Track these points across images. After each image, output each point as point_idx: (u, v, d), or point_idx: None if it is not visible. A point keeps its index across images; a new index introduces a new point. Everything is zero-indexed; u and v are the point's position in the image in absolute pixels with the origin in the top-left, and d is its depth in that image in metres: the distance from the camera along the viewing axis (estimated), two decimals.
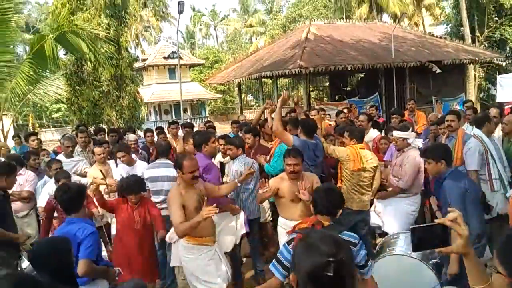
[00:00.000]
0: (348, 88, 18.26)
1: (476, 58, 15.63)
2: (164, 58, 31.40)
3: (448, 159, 3.49)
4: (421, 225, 1.68)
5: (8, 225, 4.00)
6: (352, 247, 2.64)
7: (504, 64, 18.25)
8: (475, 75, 18.28)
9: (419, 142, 5.07)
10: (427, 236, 1.62)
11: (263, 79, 15.45)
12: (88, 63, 12.50)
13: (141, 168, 5.55)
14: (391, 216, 5.10)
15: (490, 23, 20.60)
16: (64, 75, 13.22)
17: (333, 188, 3.27)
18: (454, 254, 2.85)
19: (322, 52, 13.80)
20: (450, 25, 23.91)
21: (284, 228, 4.15)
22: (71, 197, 3.26)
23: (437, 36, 18.23)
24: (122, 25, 13.73)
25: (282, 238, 4.15)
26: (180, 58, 32.85)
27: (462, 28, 20.92)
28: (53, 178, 5.06)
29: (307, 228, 2.86)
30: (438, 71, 14.01)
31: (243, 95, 48.04)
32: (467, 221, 3.19)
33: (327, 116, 9.52)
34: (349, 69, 13.22)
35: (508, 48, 20.30)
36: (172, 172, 4.92)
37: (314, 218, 2.96)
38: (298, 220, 4.06)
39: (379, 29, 17.47)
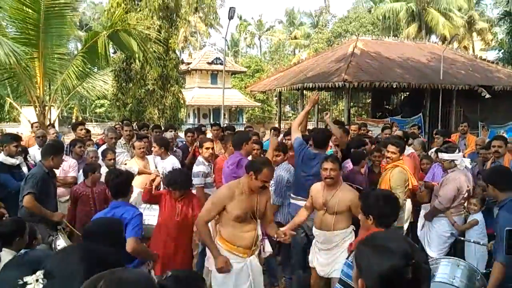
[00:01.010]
0: (390, 107, 17.91)
1: None
2: (208, 63, 31.93)
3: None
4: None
5: (49, 203, 4.15)
6: None
7: None
8: None
9: (467, 162, 4.90)
10: None
11: (304, 91, 15.39)
12: (137, 61, 12.85)
13: (171, 163, 5.67)
14: (427, 238, 4.97)
15: None
16: (112, 72, 13.65)
17: (391, 195, 2.97)
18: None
19: (367, 68, 13.64)
20: (502, 50, 23.12)
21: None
22: (122, 182, 3.37)
23: (488, 61, 17.64)
24: (173, 27, 14.09)
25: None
26: (223, 64, 33.46)
27: None
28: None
29: None
30: (488, 96, 13.54)
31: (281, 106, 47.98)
32: None
33: (370, 132, 9.35)
34: (394, 86, 12.99)
35: None
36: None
37: (369, 230, 2.68)
38: (318, 228, 4.08)
39: (428, 49, 17.10)
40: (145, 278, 1.17)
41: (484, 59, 17.91)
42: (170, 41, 13.90)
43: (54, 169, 4.46)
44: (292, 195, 4.91)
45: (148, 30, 12.74)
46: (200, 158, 5.51)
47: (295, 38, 56.79)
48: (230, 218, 3.47)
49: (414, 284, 1.28)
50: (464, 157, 6.26)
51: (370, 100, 19.91)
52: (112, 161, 5.51)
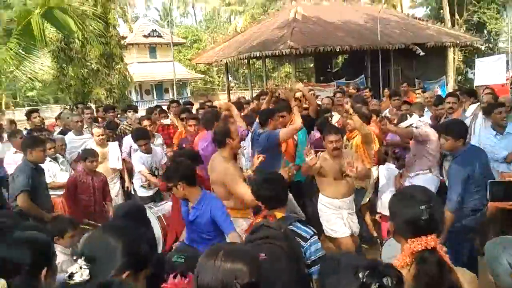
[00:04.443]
0: (333, 71, 18.54)
1: (457, 41, 16.13)
2: (144, 36, 30.89)
3: (465, 137, 3.74)
4: (497, 180, 2.01)
5: (40, 197, 4.09)
6: (301, 242, 2.50)
7: (483, 47, 18.86)
8: (454, 58, 18.80)
9: (427, 119, 5.30)
10: (500, 190, 1.99)
11: (250, 60, 15.52)
12: (76, 40, 12.28)
13: (160, 154, 5.61)
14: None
15: (469, 6, 21.12)
16: (50, 52, 12.96)
17: (272, 177, 2.92)
18: None
19: (310, 33, 13.98)
20: (429, 7, 24.37)
21: (328, 206, 4.38)
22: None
23: (419, 19, 18.61)
24: (109, 1, 13.52)
25: (324, 215, 4.43)
26: (160, 36, 32.47)
27: (441, 11, 21.39)
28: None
29: (261, 221, 2.51)
30: (422, 53, 14.41)
31: (222, 76, 47.68)
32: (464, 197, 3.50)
33: (318, 96, 9.69)
34: (338, 50, 13.47)
35: (486, 32, 20.93)
36: None
37: (265, 211, 2.77)
38: (341, 198, 4.32)
39: (363, 10, 17.73)
40: (248, 250, 1.42)
41: (415, 17, 18.87)
42: (108, 16, 13.33)
43: (39, 164, 4.31)
44: None
45: (83, 6, 12.13)
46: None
47: (229, 4, 55.84)
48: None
49: (431, 222, 1.70)
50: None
51: (312, 65, 20.42)
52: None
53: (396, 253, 1.85)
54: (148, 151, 5.42)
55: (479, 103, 5.97)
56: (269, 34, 14.72)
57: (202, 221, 3.25)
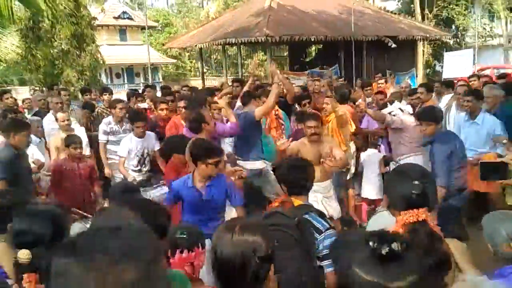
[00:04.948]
0: (307, 60, 18.72)
1: (427, 35, 16.59)
2: (115, 18, 30.03)
3: (440, 121, 3.99)
4: (487, 161, 2.27)
5: (22, 183, 3.97)
6: (316, 233, 2.42)
7: (451, 42, 19.49)
8: (423, 51, 19.35)
9: (408, 108, 5.55)
10: (491, 170, 2.26)
11: (225, 46, 15.45)
12: (46, 19, 11.87)
13: (154, 139, 5.42)
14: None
15: (438, 2, 21.73)
16: (18, 31, 12.49)
17: (299, 164, 2.89)
18: None
19: (286, 22, 14.04)
20: (401, 1, 24.90)
21: None
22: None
23: (392, 12, 19.00)
24: None
25: None
26: (131, 19, 31.71)
27: (412, 5, 21.92)
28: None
29: (276, 208, 2.55)
30: (393, 45, 14.76)
31: (194, 62, 47.04)
32: (450, 174, 3.74)
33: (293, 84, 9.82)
34: (313, 40, 13.60)
35: (454, 27, 21.61)
36: None
37: (284, 196, 2.75)
38: (316, 182, 4.42)
39: (338, 2, 17.90)
40: (263, 224, 1.50)
41: (388, 11, 19.26)
42: None
43: (21, 147, 4.14)
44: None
45: None
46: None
47: None
48: None
49: (423, 197, 1.86)
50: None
51: (286, 53, 20.53)
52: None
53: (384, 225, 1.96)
54: (141, 135, 5.23)
55: (453, 94, 6.25)
56: (244, 21, 14.68)
57: (221, 197, 3.42)
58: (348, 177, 5.60)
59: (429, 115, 3.93)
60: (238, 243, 1.40)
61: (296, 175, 2.67)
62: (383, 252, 1.11)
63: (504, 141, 4.67)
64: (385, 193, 2.07)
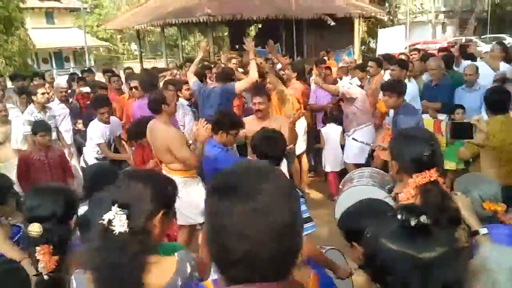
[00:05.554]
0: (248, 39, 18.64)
1: (363, 12, 17.15)
2: (40, 0, 28.03)
3: (403, 94, 4.17)
4: (457, 121, 2.49)
5: None
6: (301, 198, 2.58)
7: (385, 19, 20.29)
8: (359, 29, 19.99)
9: (355, 80, 5.75)
10: (459, 129, 2.48)
11: (164, 27, 14.99)
12: None
13: (117, 124, 5.24)
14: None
15: None
16: None
17: (272, 135, 3.00)
18: None
19: (227, 1, 13.84)
20: None
21: None
22: None
23: None
24: None
25: None
26: (58, 0, 29.77)
27: None
28: None
29: None
30: (332, 23, 15.12)
31: (127, 45, 45.12)
32: None
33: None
34: (255, 19, 13.57)
35: (387, 4, 22.52)
36: None
37: None
38: None
39: None
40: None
41: None
42: None
43: None
44: None
45: None
46: None
47: None
48: None
49: (434, 157, 1.92)
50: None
51: (226, 33, 20.34)
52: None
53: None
54: (107, 121, 4.99)
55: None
56: (184, 1, 14.30)
57: None
58: (297, 152, 5.68)
59: (393, 87, 4.09)
60: None
61: (266, 146, 2.84)
62: (412, 224, 1.14)
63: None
64: (393, 159, 2.05)
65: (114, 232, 1.41)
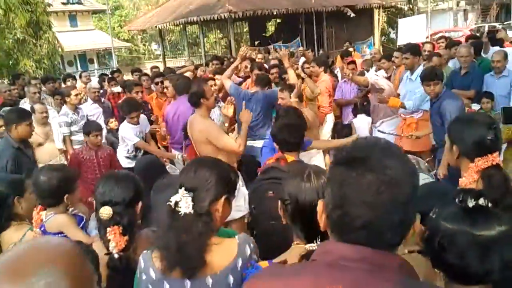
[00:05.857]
0: (267, 34, 18.74)
1: (383, 2, 17.00)
2: (63, 3, 28.66)
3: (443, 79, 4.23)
4: (509, 106, 2.55)
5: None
6: None
7: (406, 8, 20.05)
8: (379, 19, 19.82)
9: (382, 73, 5.80)
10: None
11: (186, 25, 15.21)
12: None
13: (145, 122, 5.34)
14: None
15: None
16: None
17: (293, 123, 3.01)
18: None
19: None
20: None
21: None
22: None
23: None
24: None
25: None
26: (81, 3, 30.38)
27: None
28: None
29: (272, 163, 2.82)
30: (352, 15, 15.06)
31: (147, 45, 45.53)
32: None
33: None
34: (275, 13, 13.64)
35: None
36: None
37: (279, 153, 2.89)
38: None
39: None
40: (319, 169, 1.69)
41: None
42: None
43: (25, 139, 3.84)
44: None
45: None
46: None
47: None
48: None
49: (495, 141, 1.95)
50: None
51: (246, 29, 20.44)
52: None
53: None
54: (136, 122, 5.07)
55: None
56: None
57: None
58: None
59: (435, 75, 4.10)
60: (317, 188, 1.59)
61: (286, 133, 2.83)
62: (470, 205, 1.18)
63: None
64: (454, 143, 2.04)
65: (180, 213, 1.55)
